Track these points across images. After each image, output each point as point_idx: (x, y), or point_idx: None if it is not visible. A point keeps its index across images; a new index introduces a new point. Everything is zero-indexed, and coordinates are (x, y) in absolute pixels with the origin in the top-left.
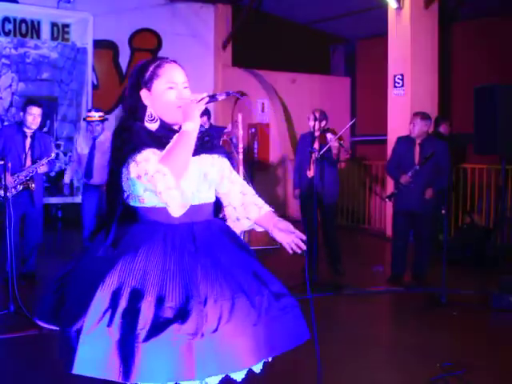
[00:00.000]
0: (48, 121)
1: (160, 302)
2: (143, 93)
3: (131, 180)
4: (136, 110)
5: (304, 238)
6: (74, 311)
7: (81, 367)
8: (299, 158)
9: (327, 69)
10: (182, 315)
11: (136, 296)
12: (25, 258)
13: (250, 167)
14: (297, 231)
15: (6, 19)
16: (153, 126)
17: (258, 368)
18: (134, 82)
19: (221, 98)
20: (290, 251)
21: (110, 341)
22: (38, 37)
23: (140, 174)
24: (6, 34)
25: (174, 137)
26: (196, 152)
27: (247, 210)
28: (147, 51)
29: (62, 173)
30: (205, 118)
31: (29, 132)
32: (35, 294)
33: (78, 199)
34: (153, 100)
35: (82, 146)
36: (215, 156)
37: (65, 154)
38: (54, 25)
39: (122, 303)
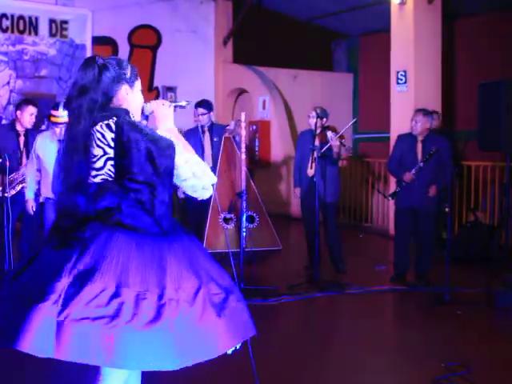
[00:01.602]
0: (46, 118)
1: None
2: (126, 89)
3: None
4: (111, 101)
5: None
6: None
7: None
8: (299, 156)
9: (329, 65)
10: (118, 304)
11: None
12: (22, 257)
13: (251, 165)
14: None
15: (4, 15)
16: None
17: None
18: (114, 75)
19: (180, 104)
20: None
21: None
22: (36, 33)
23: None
24: (4, 30)
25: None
26: None
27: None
28: (147, 48)
29: None
30: (206, 116)
31: (22, 130)
32: None
33: None
34: (129, 99)
35: (40, 153)
36: None
37: None
38: (52, 21)
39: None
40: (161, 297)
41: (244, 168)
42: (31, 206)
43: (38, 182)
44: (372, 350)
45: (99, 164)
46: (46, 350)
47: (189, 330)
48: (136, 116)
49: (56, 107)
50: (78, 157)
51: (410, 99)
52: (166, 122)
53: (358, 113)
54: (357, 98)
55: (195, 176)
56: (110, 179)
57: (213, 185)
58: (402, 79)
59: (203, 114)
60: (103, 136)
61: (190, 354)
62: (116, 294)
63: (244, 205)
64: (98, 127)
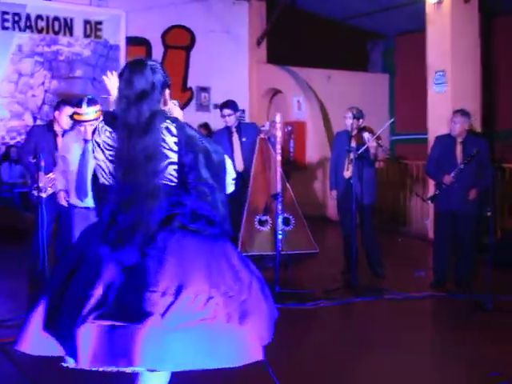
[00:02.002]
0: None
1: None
2: (168, 93)
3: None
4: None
5: None
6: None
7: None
8: (335, 157)
9: (365, 66)
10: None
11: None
12: (57, 260)
13: (286, 166)
14: None
15: (39, 17)
16: None
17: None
18: (162, 80)
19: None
20: None
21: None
22: (71, 34)
23: None
24: (39, 31)
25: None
26: None
27: None
28: (180, 48)
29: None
30: (232, 117)
31: (59, 131)
32: None
33: None
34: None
35: (65, 154)
36: None
37: None
38: (86, 22)
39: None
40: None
41: (279, 169)
42: (63, 197)
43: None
44: (409, 357)
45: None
46: (158, 364)
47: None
48: None
49: (79, 104)
50: (152, 166)
51: (448, 99)
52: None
53: (394, 114)
54: (393, 99)
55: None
56: (172, 184)
57: (235, 181)
58: (439, 79)
59: (230, 115)
60: (164, 140)
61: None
62: (210, 296)
63: (279, 207)
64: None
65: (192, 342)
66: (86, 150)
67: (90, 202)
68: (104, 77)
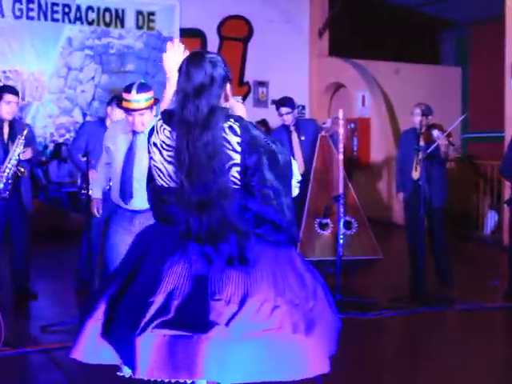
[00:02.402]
0: (115, 104)
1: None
2: (229, 87)
3: None
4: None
5: None
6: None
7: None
8: (401, 157)
9: (436, 58)
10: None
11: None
12: (106, 263)
13: (349, 166)
14: None
15: (90, 8)
16: None
17: None
18: (223, 74)
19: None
20: None
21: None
22: (122, 26)
23: None
24: (90, 23)
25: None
26: None
27: None
28: (237, 40)
29: None
30: (290, 115)
31: None
32: None
33: None
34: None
35: (110, 145)
36: None
37: None
38: (138, 13)
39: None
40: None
41: (341, 169)
42: (96, 208)
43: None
44: (480, 371)
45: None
46: (221, 376)
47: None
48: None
49: (128, 89)
50: (215, 164)
51: None
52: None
53: (467, 110)
54: (466, 94)
55: None
56: (236, 186)
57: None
58: None
59: (288, 114)
60: (227, 140)
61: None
62: (276, 305)
63: (341, 209)
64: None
65: (256, 354)
66: (133, 144)
67: (136, 203)
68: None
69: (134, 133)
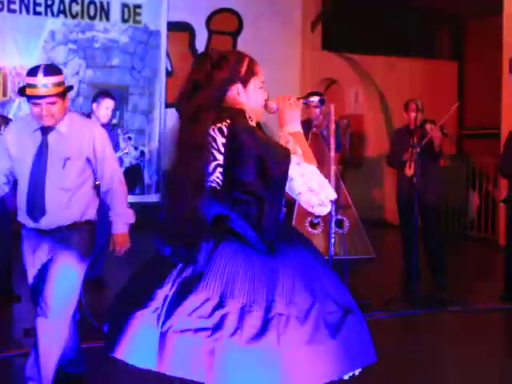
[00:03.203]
0: (118, 112)
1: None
2: (237, 88)
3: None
4: (219, 102)
5: None
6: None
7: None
8: (393, 155)
9: (432, 52)
10: (220, 317)
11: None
12: (92, 262)
13: (341, 164)
14: None
15: (74, 1)
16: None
17: None
18: (227, 75)
19: (314, 99)
20: None
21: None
22: (107, 19)
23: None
24: (73, 16)
25: (289, 140)
26: None
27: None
28: (226, 34)
29: (132, 169)
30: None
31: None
32: (102, 301)
33: (150, 198)
34: (244, 98)
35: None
36: None
37: (135, 148)
38: (124, 6)
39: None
40: (268, 310)
41: (333, 167)
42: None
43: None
44: (473, 378)
45: (209, 169)
46: (148, 362)
47: (297, 349)
48: (255, 116)
49: (34, 72)
50: (197, 157)
51: None
52: (292, 123)
53: (463, 106)
54: (462, 90)
55: (311, 190)
56: (218, 187)
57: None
58: None
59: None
60: (214, 140)
61: (295, 376)
62: (220, 305)
63: (332, 208)
64: (210, 130)
65: (188, 350)
66: (43, 144)
67: (49, 221)
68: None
69: (44, 130)
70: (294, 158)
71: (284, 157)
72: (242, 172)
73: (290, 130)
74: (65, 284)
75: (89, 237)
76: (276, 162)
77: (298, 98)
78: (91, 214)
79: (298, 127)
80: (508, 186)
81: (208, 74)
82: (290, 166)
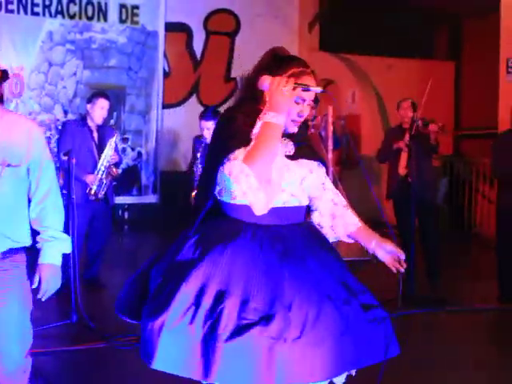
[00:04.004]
0: (115, 112)
1: (244, 302)
2: (264, 78)
3: (225, 175)
4: (255, 98)
5: (402, 257)
6: (156, 305)
7: (160, 363)
8: (383, 153)
9: (429, 52)
10: (266, 318)
11: (220, 295)
12: (89, 263)
13: (338, 164)
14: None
15: (71, 1)
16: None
17: (339, 380)
18: (268, 73)
19: (315, 91)
20: (395, 270)
21: (191, 339)
22: (105, 20)
23: (230, 172)
24: (71, 17)
25: (258, 130)
26: (295, 157)
27: (334, 224)
28: (224, 34)
29: (130, 170)
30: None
31: (93, 126)
32: (99, 302)
33: (147, 199)
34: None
35: None
36: (315, 163)
37: (132, 149)
38: (122, 6)
39: (206, 301)
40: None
41: (331, 168)
42: None
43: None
44: (470, 378)
45: None
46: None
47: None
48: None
49: None
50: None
51: None
52: (273, 111)
53: (460, 106)
54: (459, 90)
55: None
56: None
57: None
58: None
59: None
60: None
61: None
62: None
63: None
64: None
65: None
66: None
67: None
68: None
69: None
70: (233, 154)
71: (218, 151)
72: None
73: (265, 119)
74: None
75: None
76: (208, 154)
77: (297, 85)
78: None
79: (275, 118)
80: (499, 187)
81: (261, 64)
82: (215, 161)
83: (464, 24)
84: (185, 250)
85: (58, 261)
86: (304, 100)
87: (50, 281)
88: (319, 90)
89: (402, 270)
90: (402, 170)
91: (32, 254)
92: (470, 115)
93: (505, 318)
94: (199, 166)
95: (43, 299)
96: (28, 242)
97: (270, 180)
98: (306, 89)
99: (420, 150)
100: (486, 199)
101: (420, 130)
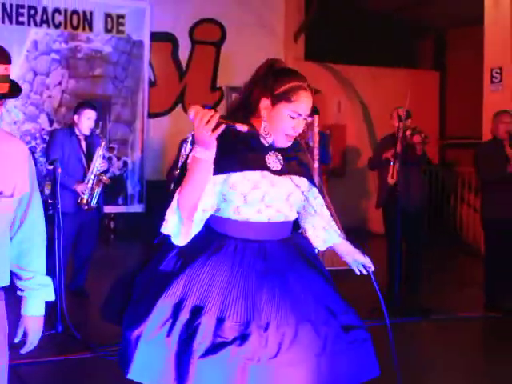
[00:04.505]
0: (100, 122)
1: (220, 320)
2: (265, 102)
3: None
4: (248, 109)
5: (368, 263)
6: (135, 315)
7: (136, 373)
8: (374, 161)
9: (413, 62)
10: (241, 337)
11: (197, 310)
12: (75, 272)
13: (324, 174)
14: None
15: (57, 10)
16: (265, 141)
17: None
18: (262, 85)
19: (240, 129)
20: (358, 272)
21: (168, 351)
22: (91, 29)
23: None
24: (57, 26)
25: (190, 164)
26: (282, 172)
27: (316, 236)
28: (210, 44)
29: (115, 179)
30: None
31: (81, 136)
32: (84, 312)
33: (133, 208)
34: (269, 116)
35: None
36: (302, 178)
37: (118, 159)
38: (107, 16)
39: (183, 315)
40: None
41: (317, 178)
42: None
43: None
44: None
45: None
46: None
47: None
48: (277, 138)
49: None
50: None
51: (506, 100)
52: (199, 146)
53: (445, 115)
54: (444, 99)
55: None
56: None
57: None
58: (496, 77)
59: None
60: None
61: None
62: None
63: None
64: None
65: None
66: None
67: None
68: None
69: None
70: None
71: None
72: None
73: (194, 153)
74: None
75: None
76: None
77: (222, 122)
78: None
79: (202, 154)
80: (482, 198)
81: (257, 76)
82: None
83: (448, 34)
84: (167, 260)
85: (43, 311)
86: (300, 115)
87: (37, 333)
88: (245, 128)
89: (365, 272)
90: (390, 180)
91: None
92: (454, 125)
93: (490, 326)
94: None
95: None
96: (7, 282)
97: (191, 215)
98: (232, 126)
99: (408, 160)
100: (472, 208)
101: (408, 140)
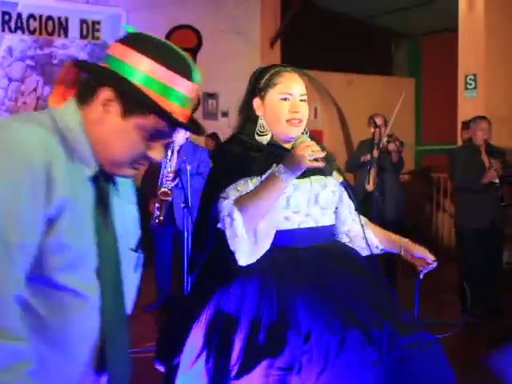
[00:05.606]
0: None
1: (252, 334)
2: (256, 101)
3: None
4: (248, 119)
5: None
6: (173, 345)
7: None
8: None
9: (388, 69)
10: (274, 348)
11: (229, 329)
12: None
13: None
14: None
15: (31, 16)
16: (263, 139)
17: None
18: (249, 88)
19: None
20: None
21: (205, 379)
22: (66, 35)
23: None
24: (31, 32)
25: (263, 181)
26: (304, 174)
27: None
28: (186, 50)
29: None
30: None
31: None
32: None
33: None
34: (264, 111)
35: None
36: (329, 177)
37: None
38: (83, 22)
39: (216, 338)
40: None
41: None
42: None
43: None
44: None
45: None
46: None
47: None
48: (278, 132)
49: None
50: None
51: (480, 107)
52: (289, 170)
53: (420, 121)
54: (419, 106)
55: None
56: None
57: None
58: (471, 84)
59: None
60: None
61: None
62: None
63: None
64: None
65: None
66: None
67: None
68: None
69: None
70: (224, 192)
71: (211, 189)
72: None
73: (278, 174)
74: None
75: None
76: (203, 192)
77: (320, 159)
78: None
79: (286, 175)
80: (456, 206)
81: (249, 81)
82: (210, 200)
83: (423, 41)
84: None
85: None
86: (290, 94)
87: None
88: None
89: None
90: (368, 187)
91: None
92: (430, 131)
93: (468, 331)
94: (168, 163)
95: None
96: None
97: (256, 232)
98: (318, 166)
99: (385, 167)
100: (447, 213)
101: (384, 147)
